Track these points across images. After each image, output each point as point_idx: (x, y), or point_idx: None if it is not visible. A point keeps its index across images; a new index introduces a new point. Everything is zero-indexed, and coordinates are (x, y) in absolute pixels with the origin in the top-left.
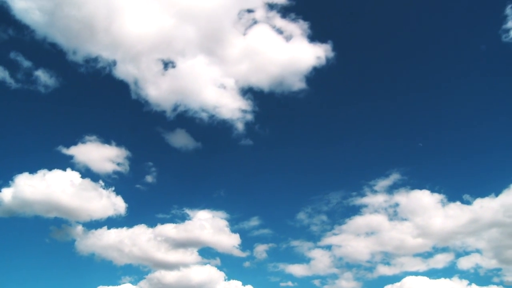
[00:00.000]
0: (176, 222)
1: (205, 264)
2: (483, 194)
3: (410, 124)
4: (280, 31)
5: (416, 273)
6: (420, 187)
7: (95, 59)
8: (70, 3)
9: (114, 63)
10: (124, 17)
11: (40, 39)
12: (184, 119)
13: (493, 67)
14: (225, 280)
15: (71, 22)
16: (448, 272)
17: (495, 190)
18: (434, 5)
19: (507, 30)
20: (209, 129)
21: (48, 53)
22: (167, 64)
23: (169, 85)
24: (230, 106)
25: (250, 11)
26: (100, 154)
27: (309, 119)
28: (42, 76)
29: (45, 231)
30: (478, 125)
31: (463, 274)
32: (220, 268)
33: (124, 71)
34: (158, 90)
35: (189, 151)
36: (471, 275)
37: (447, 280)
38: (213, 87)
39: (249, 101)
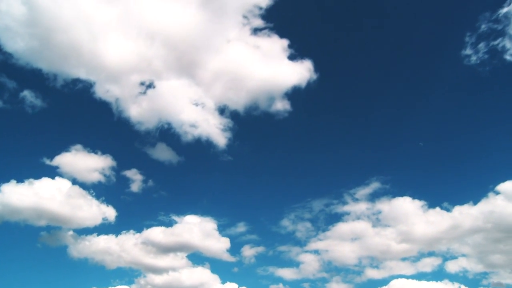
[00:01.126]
0: (164, 228)
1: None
2: (461, 202)
3: (387, 136)
4: (258, 50)
5: (404, 276)
6: (401, 194)
7: (80, 81)
8: (55, 29)
9: (96, 84)
10: (105, 42)
11: (26, 63)
12: (166, 136)
13: (457, 86)
14: (221, 283)
15: (56, 47)
16: (436, 275)
17: (473, 198)
18: (405, 33)
19: (468, 55)
20: (190, 146)
21: (34, 76)
22: (146, 85)
23: (149, 104)
24: (209, 124)
25: (227, 30)
26: (86, 164)
27: (289, 133)
28: (29, 96)
29: (37, 237)
30: (453, 137)
31: (451, 278)
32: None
33: (106, 91)
34: (139, 109)
35: (173, 164)
36: (460, 278)
37: (438, 283)
38: (192, 106)
39: (228, 119)
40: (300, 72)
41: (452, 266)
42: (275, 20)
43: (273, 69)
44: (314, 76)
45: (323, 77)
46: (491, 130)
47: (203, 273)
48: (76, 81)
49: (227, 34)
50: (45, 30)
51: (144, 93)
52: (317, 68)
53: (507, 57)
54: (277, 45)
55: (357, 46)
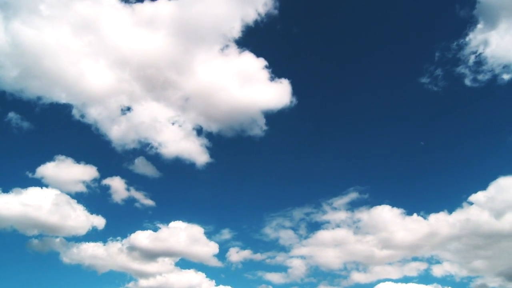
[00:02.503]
0: (151, 235)
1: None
2: (437, 210)
3: (362, 149)
4: (234, 71)
5: (391, 280)
6: (379, 203)
7: (62, 105)
8: (37, 57)
9: (77, 107)
10: (83, 68)
11: (10, 88)
12: (146, 155)
13: (417, 107)
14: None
15: (39, 74)
16: (423, 280)
17: (448, 207)
18: (370, 61)
19: (427, 83)
20: (170, 164)
21: (19, 100)
22: (124, 108)
23: (128, 126)
24: (188, 143)
25: (202, 52)
26: (71, 174)
27: (266, 147)
28: (14, 118)
29: (26, 244)
30: (426, 152)
31: (438, 282)
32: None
33: (86, 114)
34: (119, 130)
35: (155, 178)
36: (448, 282)
37: (429, 286)
38: (170, 126)
39: (206, 138)
40: (277, 91)
41: (437, 271)
42: (251, 42)
43: (250, 89)
44: (291, 95)
45: (300, 95)
46: (461, 146)
47: (195, 277)
48: (58, 104)
49: (202, 56)
50: (27, 59)
51: (123, 114)
52: (294, 87)
53: (467, 83)
54: (253, 67)
55: (330, 70)
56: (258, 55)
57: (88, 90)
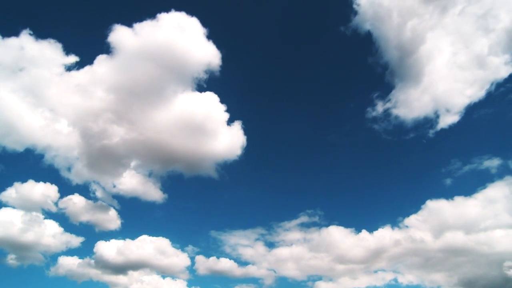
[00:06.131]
0: (121, 248)
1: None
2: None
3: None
4: (182, 120)
5: None
6: (326, 225)
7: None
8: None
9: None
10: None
11: None
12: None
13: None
14: None
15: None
16: None
17: (390, 223)
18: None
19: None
20: (128, 201)
21: None
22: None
23: (82, 170)
24: (145, 185)
25: (149, 102)
26: (39, 195)
27: (217, 184)
28: None
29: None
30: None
31: None
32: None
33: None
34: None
35: (117, 208)
36: None
37: None
38: (125, 172)
39: (159, 180)
40: (226, 133)
41: (402, 281)
42: (203, 88)
43: (200, 135)
44: (242, 135)
45: (249, 137)
46: (391, 181)
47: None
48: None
49: (146, 107)
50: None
51: (76, 160)
52: (244, 129)
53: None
54: (200, 114)
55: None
56: (205, 101)
57: (44, 140)
